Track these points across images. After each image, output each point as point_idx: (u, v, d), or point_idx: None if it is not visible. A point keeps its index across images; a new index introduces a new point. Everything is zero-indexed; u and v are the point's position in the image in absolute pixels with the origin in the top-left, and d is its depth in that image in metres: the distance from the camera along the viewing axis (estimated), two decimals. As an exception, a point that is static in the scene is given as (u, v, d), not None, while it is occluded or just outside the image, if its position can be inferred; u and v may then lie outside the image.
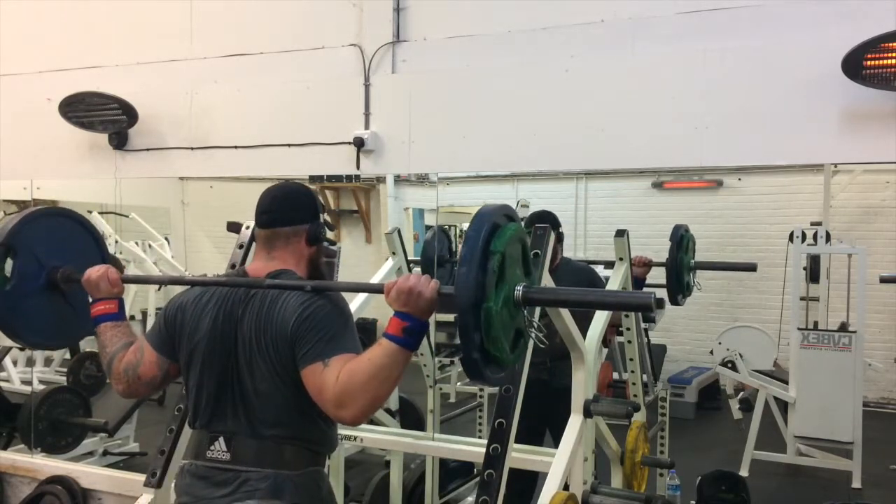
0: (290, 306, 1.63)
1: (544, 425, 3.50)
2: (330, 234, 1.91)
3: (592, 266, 3.90)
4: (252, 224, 2.39)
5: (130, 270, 7.86)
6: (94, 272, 1.91)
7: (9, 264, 1.98)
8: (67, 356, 6.20)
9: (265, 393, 1.65)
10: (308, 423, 1.68)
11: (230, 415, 1.68)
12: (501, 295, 1.50)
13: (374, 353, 1.52)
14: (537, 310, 1.86)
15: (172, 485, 2.33)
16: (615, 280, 3.21)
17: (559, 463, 2.29)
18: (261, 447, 1.65)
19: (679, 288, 3.56)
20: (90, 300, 1.92)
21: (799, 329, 5.06)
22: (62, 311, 2.12)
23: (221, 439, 1.67)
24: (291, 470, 1.65)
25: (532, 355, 2.13)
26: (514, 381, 2.05)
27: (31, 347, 1.94)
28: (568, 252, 3.83)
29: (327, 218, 1.86)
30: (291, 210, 1.78)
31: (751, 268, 3.82)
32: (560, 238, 3.70)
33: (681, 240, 3.44)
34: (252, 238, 2.51)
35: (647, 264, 3.49)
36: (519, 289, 1.57)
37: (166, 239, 8.31)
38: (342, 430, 2.78)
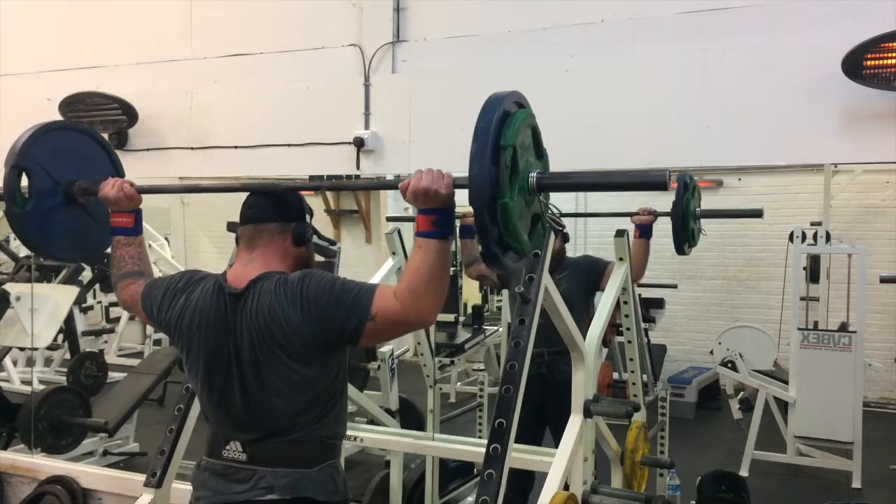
0: (285, 303, 1.58)
1: (544, 423, 3.50)
2: (329, 233, 1.91)
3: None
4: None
5: (130, 270, 7.87)
6: (110, 187, 1.92)
7: (24, 184, 1.96)
8: (67, 356, 6.20)
9: (276, 395, 1.63)
10: (322, 418, 1.67)
11: (242, 420, 1.67)
12: (516, 187, 1.48)
13: (418, 258, 1.53)
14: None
15: (172, 485, 2.33)
16: (615, 280, 3.21)
17: (559, 463, 2.29)
18: (276, 448, 1.65)
19: (685, 235, 3.56)
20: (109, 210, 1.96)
21: (799, 329, 5.06)
22: (85, 223, 2.12)
23: (236, 441, 1.67)
24: (308, 467, 1.65)
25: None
26: (514, 381, 2.05)
27: (60, 261, 1.98)
28: (568, 252, 3.85)
29: (321, 213, 1.84)
30: (278, 206, 1.75)
31: (757, 213, 3.82)
32: (566, 239, 3.72)
33: (685, 186, 3.44)
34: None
35: (652, 213, 3.51)
36: (533, 176, 1.55)
37: (166, 239, 8.33)
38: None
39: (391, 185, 1.64)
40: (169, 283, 1.78)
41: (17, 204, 1.95)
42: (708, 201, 4.05)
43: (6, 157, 1.96)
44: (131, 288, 1.88)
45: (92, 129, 2.27)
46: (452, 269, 7.73)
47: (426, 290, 1.53)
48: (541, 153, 1.65)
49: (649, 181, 1.51)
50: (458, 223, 3.74)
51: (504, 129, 1.47)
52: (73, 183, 2.06)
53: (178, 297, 1.73)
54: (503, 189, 1.46)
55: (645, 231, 3.48)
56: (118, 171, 2.22)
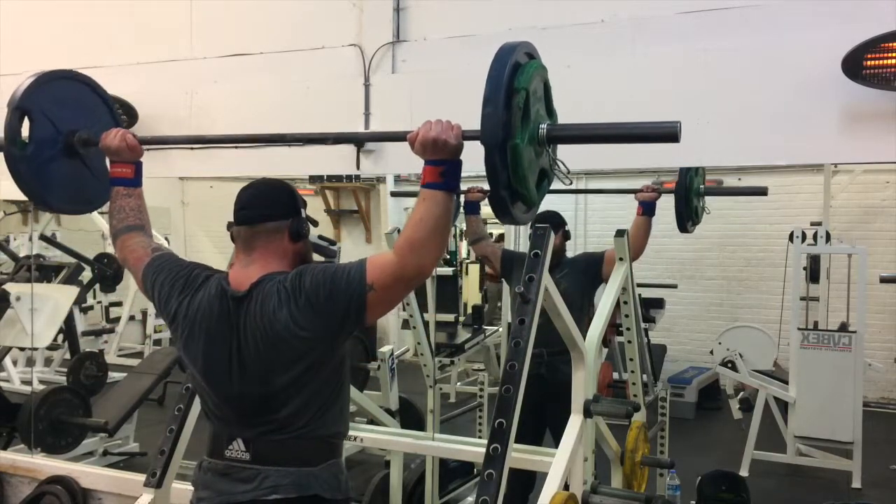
0: (287, 303, 1.59)
1: (543, 424, 3.50)
2: (329, 233, 1.90)
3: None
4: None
5: (130, 270, 7.88)
6: (112, 137, 1.92)
7: (25, 128, 1.96)
8: (67, 356, 6.20)
9: (281, 392, 1.63)
10: (325, 416, 1.68)
11: (245, 419, 1.67)
12: (527, 133, 1.50)
13: (423, 209, 1.53)
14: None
15: (172, 485, 2.33)
16: (615, 280, 3.21)
17: (559, 463, 2.29)
18: (280, 447, 1.65)
19: (688, 213, 3.56)
20: (108, 162, 1.95)
21: (799, 329, 5.06)
22: (82, 175, 2.11)
23: (240, 440, 1.67)
24: (312, 466, 1.66)
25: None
26: (514, 381, 2.05)
27: (56, 212, 2.00)
28: (568, 252, 3.85)
29: (320, 213, 1.84)
30: (272, 205, 1.73)
31: (761, 191, 3.82)
32: (567, 236, 3.73)
33: None
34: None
35: (656, 190, 3.51)
36: (543, 127, 1.57)
37: (166, 239, 8.32)
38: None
39: (399, 137, 1.64)
40: (177, 273, 1.77)
41: (17, 146, 1.94)
42: (708, 201, 4.07)
43: (9, 99, 1.95)
44: (136, 250, 1.87)
45: (95, 81, 2.25)
46: (452, 269, 7.68)
47: (427, 243, 1.53)
48: (551, 111, 1.67)
49: (660, 132, 1.52)
50: (462, 199, 3.80)
51: (517, 74, 1.50)
52: (73, 133, 2.06)
53: (183, 294, 1.72)
54: (514, 130, 1.47)
55: (648, 208, 3.50)
56: (118, 125, 2.21)
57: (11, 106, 1.95)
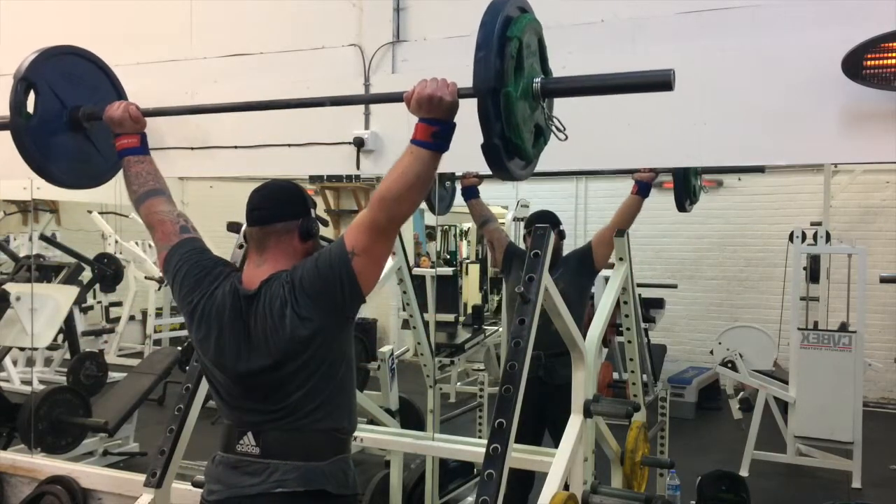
0: (290, 299, 1.64)
1: (542, 424, 3.50)
2: (330, 234, 1.91)
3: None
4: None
5: (130, 270, 7.87)
6: (115, 109, 1.95)
7: (30, 100, 1.96)
8: (67, 356, 6.20)
9: (290, 381, 1.67)
10: (332, 407, 1.71)
11: (256, 413, 1.71)
12: (521, 84, 1.50)
13: (406, 163, 1.55)
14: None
15: (172, 485, 2.33)
16: (615, 280, 3.21)
17: (559, 463, 2.29)
18: (289, 441, 1.68)
19: (686, 193, 3.59)
20: (113, 135, 1.97)
21: (799, 329, 5.05)
22: (87, 151, 2.12)
23: (250, 434, 1.70)
24: (320, 461, 1.69)
25: None
26: (514, 381, 2.05)
27: (59, 186, 2.01)
28: (567, 252, 3.85)
29: (320, 214, 1.86)
30: (282, 206, 1.77)
31: (759, 169, 3.85)
32: (562, 236, 3.73)
33: None
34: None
35: (653, 170, 3.55)
36: (537, 81, 1.58)
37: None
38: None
39: (396, 98, 1.65)
40: (202, 268, 1.80)
41: (22, 117, 1.95)
42: (708, 201, 4.09)
43: (15, 71, 1.95)
44: (164, 221, 1.89)
45: (100, 59, 2.26)
46: (452, 269, 7.64)
47: (403, 196, 1.57)
48: (546, 70, 1.67)
49: (654, 81, 1.53)
50: (458, 185, 3.84)
51: (510, 24, 1.51)
52: (78, 108, 2.07)
53: (206, 289, 1.76)
54: (507, 79, 1.47)
55: (643, 188, 3.54)
56: (120, 96, 2.24)
57: (17, 77, 1.95)
